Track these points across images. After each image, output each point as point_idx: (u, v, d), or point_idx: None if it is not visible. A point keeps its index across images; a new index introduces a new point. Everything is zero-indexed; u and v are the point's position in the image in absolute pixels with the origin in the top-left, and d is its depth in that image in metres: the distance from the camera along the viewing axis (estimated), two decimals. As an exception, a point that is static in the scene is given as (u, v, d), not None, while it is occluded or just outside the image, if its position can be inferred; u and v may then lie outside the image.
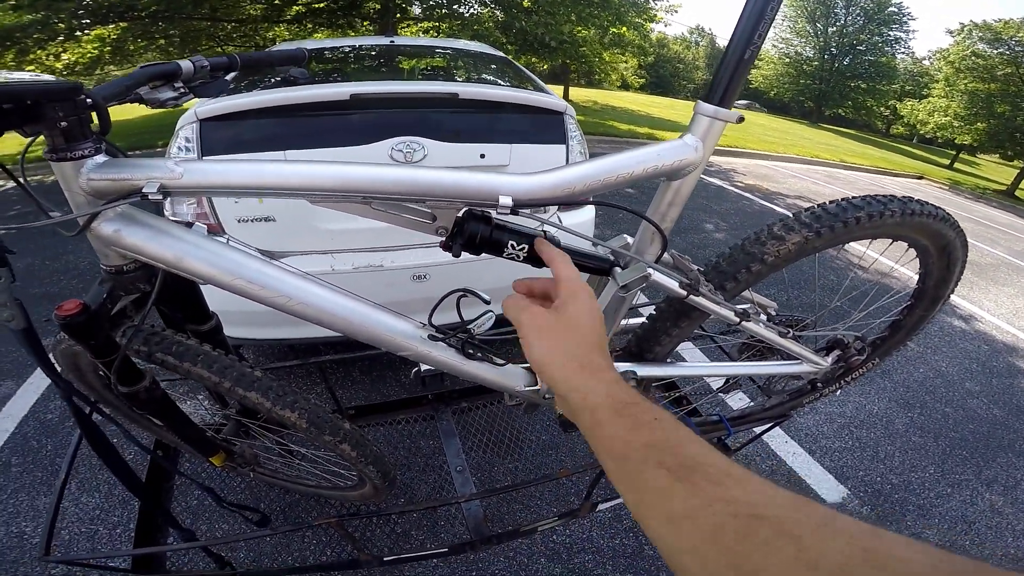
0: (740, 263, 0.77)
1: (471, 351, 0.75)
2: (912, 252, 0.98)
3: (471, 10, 8.26)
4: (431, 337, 0.71)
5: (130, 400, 0.77)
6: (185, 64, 0.67)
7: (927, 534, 1.79)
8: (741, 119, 0.61)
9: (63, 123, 0.53)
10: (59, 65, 6.65)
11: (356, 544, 1.11)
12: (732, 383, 1.23)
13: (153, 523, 1.08)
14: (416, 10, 8.07)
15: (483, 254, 0.59)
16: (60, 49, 6.43)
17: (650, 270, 0.65)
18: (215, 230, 1.61)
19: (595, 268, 0.67)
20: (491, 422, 1.84)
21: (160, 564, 1.09)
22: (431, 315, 0.74)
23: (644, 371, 0.84)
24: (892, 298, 1.18)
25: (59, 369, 0.80)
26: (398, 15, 7.79)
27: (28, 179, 0.62)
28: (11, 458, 1.70)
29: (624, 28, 8.78)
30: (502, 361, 0.81)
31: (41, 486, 1.61)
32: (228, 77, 0.81)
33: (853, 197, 0.80)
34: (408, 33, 9.13)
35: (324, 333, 1.73)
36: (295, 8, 7.91)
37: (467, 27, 7.68)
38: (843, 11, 29.39)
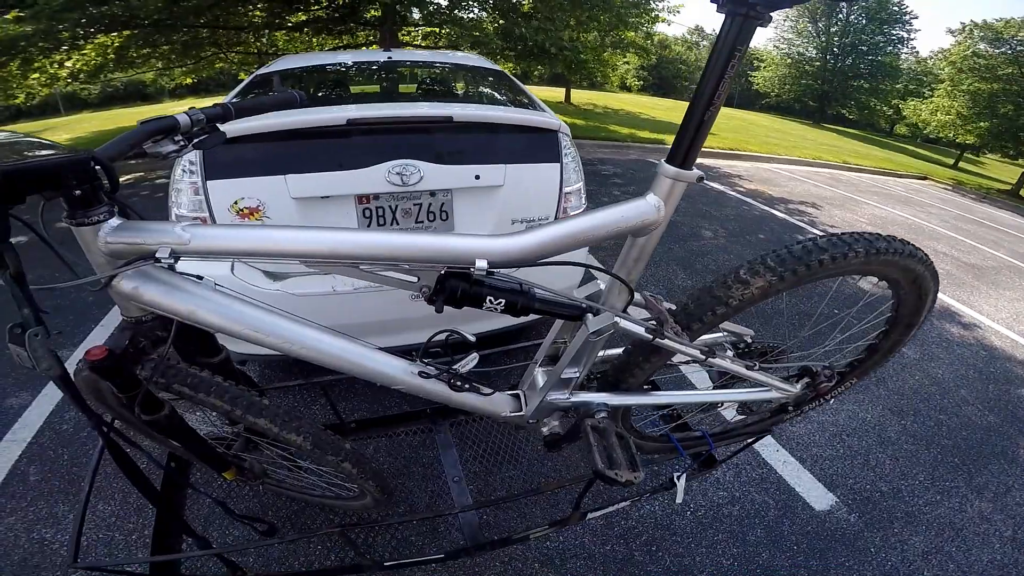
0: (706, 306, 0.83)
1: (458, 384, 0.82)
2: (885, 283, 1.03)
3: (471, 14, 8.24)
4: (422, 374, 0.78)
5: (152, 426, 0.84)
6: (182, 118, 0.72)
7: (913, 540, 1.82)
8: (701, 179, 0.66)
9: (78, 191, 0.58)
10: (63, 73, 6.74)
11: (358, 550, 1.19)
12: (711, 405, 1.29)
13: (168, 531, 1.15)
14: (416, 15, 8.09)
15: (465, 307, 0.65)
16: (64, 57, 6.52)
17: (617, 319, 0.71)
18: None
19: (569, 315, 0.73)
20: (487, 434, 1.90)
21: (175, 570, 1.16)
22: (422, 353, 0.80)
23: (616, 400, 0.90)
24: (870, 323, 1.23)
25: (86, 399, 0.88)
26: (398, 22, 7.82)
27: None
28: (29, 468, 1.77)
29: (628, 32, 8.78)
30: (489, 390, 0.88)
31: (59, 495, 1.67)
32: (229, 126, 0.87)
33: (819, 238, 0.85)
34: (408, 39, 9.18)
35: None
36: (297, 16, 7.94)
37: (467, 33, 7.71)
38: (845, 10, 29.22)
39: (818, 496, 1.95)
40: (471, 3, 7.50)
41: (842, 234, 0.86)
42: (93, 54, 6.75)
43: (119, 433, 0.91)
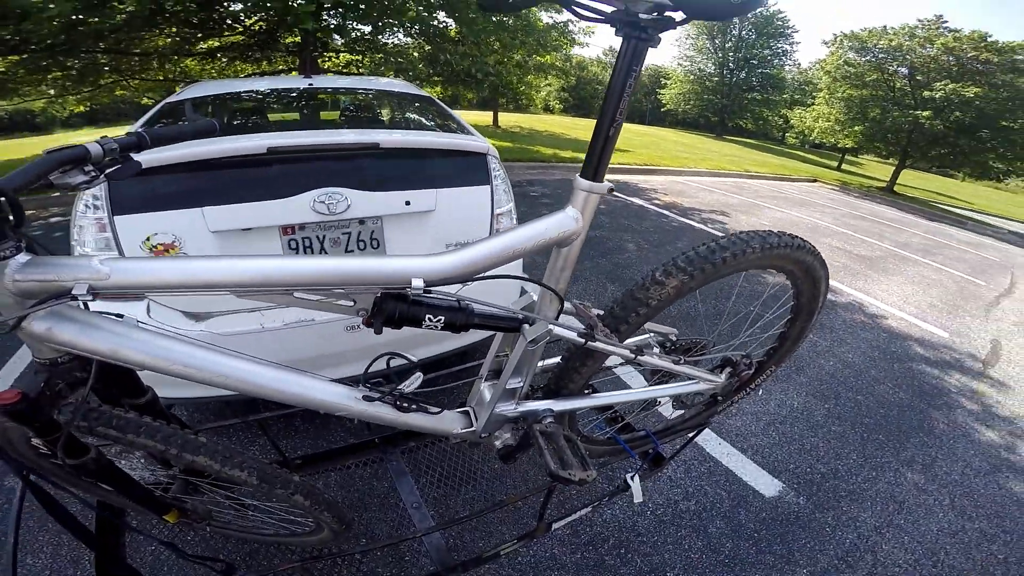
0: (630, 308, 0.90)
1: (405, 405, 0.82)
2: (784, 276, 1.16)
3: (395, 39, 8.21)
4: (366, 398, 0.77)
5: (79, 471, 0.77)
6: (93, 147, 0.67)
7: (864, 516, 1.94)
8: (612, 190, 0.73)
9: None
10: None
11: None
12: (650, 403, 1.37)
13: None
14: (338, 42, 7.97)
15: (404, 327, 0.66)
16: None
17: (551, 326, 0.76)
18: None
19: (507, 327, 0.76)
20: (441, 457, 1.88)
21: None
22: (364, 375, 0.80)
23: (560, 406, 0.95)
24: (777, 313, 1.37)
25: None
26: (319, 49, 7.67)
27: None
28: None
29: (547, 56, 9.16)
30: (437, 409, 0.89)
31: None
32: (138, 157, 0.81)
33: (720, 238, 0.95)
34: (330, 65, 9.03)
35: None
36: (210, 42, 7.56)
37: (391, 60, 7.69)
38: (737, 26, 31.74)
39: (766, 483, 2.06)
40: (396, 29, 7.48)
41: (740, 233, 0.97)
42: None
43: (41, 475, 0.83)
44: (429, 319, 0.65)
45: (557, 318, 0.80)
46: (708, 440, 2.25)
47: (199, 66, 8.36)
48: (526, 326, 0.76)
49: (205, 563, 1.16)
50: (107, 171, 0.69)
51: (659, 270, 0.90)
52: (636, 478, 1.39)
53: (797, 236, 1.05)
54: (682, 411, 1.58)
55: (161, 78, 8.38)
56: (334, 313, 0.67)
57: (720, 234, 0.91)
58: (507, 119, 17.83)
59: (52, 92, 7.55)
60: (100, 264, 0.61)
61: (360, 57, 8.32)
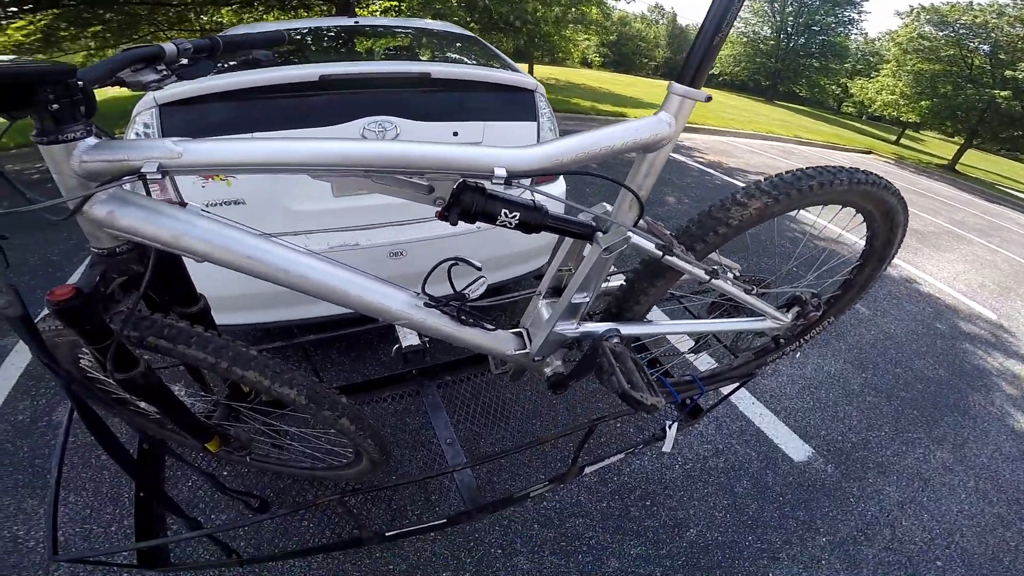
0: (708, 227, 0.85)
1: (464, 317, 0.80)
2: (860, 217, 1.09)
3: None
4: (426, 305, 0.75)
5: (126, 387, 0.75)
6: (168, 47, 0.67)
7: (888, 490, 1.90)
8: (709, 98, 0.67)
9: (55, 106, 0.53)
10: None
11: (358, 522, 1.14)
12: (701, 344, 1.32)
13: (152, 515, 1.08)
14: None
15: (477, 223, 0.63)
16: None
17: (629, 233, 0.71)
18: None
19: (579, 233, 0.72)
20: (476, 394, 1.88)
21: (165, 555, 1.08)
22: (423, 284, 0.78)
23: (626, 329, 0.91)
24: (841, 260, 1.29)
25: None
26: (356, -6, 7.51)
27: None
28: (-12, 463, 1.62)
29: (590, 6, 8.81)
30: (492, 326, 0.86)
31: (24, 489, 1.55)
32: (191, 85, 0.80)
33: (807, 167, 0.88)
34: (367, 13, 8.84)
35: (301, 316, 1.75)
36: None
37: (429, 5, 7.49)
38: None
39: (796, 448, 2.03)
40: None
41: (828, 165, 0.90)
42: (18, 35, 6.18)
43: (91, 392, 0.82)
44: (504, 214, 0.62)
45: (635, 227, 0.76)
46: (742, 399, 2.22)
47: (236, 16, 8.38)
48: (600, 233, 0.72)
49: (242, 498, 1.19)
50: (178, 71, 0.70)
51: (741, 192, 0.85)
52: (675, 426, 1.36)
53: (884, 177, 0.97)
54: (718, 363, 1.53)
55: (197, 28, 8.44)
56: (409, 200, 0.64)
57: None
58: (542, 71, 17.28)
59: (93, 45, 7.68)
60: (172, 144, 0.59)
61: (398, 2, 8.12)
